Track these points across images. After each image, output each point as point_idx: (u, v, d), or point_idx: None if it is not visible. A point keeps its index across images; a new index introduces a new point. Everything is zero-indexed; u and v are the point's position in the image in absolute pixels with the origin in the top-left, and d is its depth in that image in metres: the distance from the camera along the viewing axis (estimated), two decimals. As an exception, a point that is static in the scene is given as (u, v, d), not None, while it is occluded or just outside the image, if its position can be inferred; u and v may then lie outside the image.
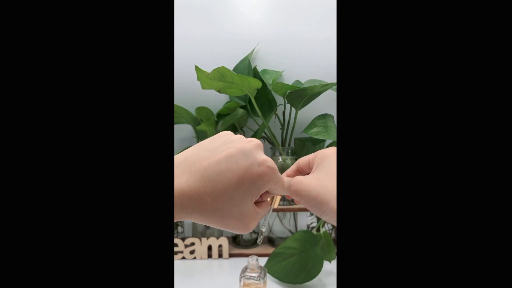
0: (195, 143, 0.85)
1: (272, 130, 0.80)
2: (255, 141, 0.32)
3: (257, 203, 0.32)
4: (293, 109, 0.78)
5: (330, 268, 0.71)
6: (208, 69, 0.65)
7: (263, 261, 0.69)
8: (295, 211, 0.80)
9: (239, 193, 0.28)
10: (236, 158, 0.29)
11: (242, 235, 0.83)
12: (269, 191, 0.32)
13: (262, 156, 0.30)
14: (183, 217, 0.27)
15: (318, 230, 0.71)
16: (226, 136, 0.32)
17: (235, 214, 0.29)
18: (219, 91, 0.70)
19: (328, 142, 0.82)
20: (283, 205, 0.79)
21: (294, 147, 0.82)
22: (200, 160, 0.28)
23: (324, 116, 0.74)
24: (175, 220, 0.28)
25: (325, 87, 0.70)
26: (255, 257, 0.57)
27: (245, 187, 0.29)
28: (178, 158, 0.29)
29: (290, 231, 0.82)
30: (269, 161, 0.30)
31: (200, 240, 0.78)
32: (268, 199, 0.34)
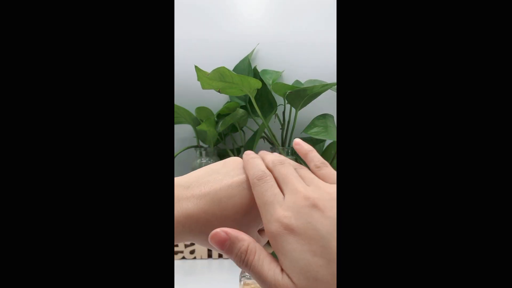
0: (195, 143, 0.85)
1: (272, 130, 0.80)
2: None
3: (259, 230, 0.31)
4: (293, 109, 0.78)
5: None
6: (208, 69, 0.65)
7: (263, 261, 0.69)
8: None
9: (246, 219, 0.28)
10: (247, 185, 0.28)
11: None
12: None
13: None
14: (190, 239, 0.27)
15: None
16: (238, 161, 0.32)
17: None
18: (219, 91, 0.70)
19: (328, 142, 0.82)
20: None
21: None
22: (211, 182, 0.28)
23: (324, 116, 0.74)
24: (182, 242, 0.27)
25: (325, 87, 0.70)
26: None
27: (253, 215, 0.28)
28: (189, 178, 0.29)
29: (290, 231, 0.82)
30: None
31: (200, 240, 0.77)
32: None
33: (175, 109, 0.76)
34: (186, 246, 0.77)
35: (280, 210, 0.24)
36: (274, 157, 0.29)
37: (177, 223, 0.26)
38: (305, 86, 0.77)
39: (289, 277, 0.22)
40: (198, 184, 0.28)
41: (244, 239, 0.24)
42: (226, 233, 0.24)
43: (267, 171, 0.28)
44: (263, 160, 0.30)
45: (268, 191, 0.26)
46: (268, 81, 0.81)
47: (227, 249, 0.24)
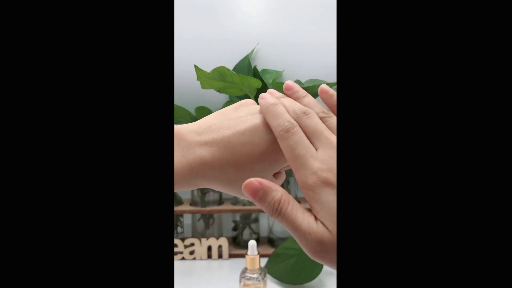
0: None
1: (272, 130, 0.80)
2: None
3: (274, 174, 0.30)
4: (293, 109, 0.78)
5: (330, 268, 0.71)
6: (208, 69, 0.65)
7: (263, 261, 0.69)
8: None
9: (261, 167, 0.28)
10: (260, 132, 0.27)
11: (242, 236, 0.83)
12: None
13: None
14: (201, 184, 0.27)
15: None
16: (249, 105, 0.30)
17: None
18: (219, 91, 0.70)
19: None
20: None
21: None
22: (223, 129, 0.28)
23: (324, 116, 0.73)
24: (193, 188, 0.27)
25: (325, 87, 0.69)
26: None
27: (267, 162, 0.28)
28: (200, 125, 0.28)
29: (290, 231, 0.82)
30: None
31: (200, 240, 0.77)
32: None
33: (175, 109, 0.76)
34: (185, 246, 0.77)
35: (315, 163, 0.24)
36: (297, 107, 0.27)
37: (190, 169, 0.26)
38: (305, 86, 0.76)
39: (324, 225, 0.23)
40: (210, 131, 0.28)
41: (277, 189, 0.24)
42: (260, 183, 0.24)
43: (293, 121, 0.26)
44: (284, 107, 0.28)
45: (298, 143, 0.25)
46: (268, 80, 0.81)
47: (260, 198, 0.24)
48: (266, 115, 0.27)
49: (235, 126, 0.28)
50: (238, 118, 0.28)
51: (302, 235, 0.23)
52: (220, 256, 0.78)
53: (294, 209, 0.24)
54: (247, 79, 0.66)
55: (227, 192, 0.28)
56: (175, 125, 0.27)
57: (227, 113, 0.29)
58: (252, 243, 0.56)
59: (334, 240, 0.22)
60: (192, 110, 0.79)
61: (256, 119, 0.28)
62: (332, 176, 0.24)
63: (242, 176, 0.27)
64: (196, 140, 0.27)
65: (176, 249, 0.77)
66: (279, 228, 0.82)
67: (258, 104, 0.30)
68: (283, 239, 0.80)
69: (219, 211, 0.80)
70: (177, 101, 0.83)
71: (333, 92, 0.29)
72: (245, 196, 0.27)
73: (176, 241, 0.78)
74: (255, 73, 0.85)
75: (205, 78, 0.66)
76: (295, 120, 0.27)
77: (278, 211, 0.24)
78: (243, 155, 0.27)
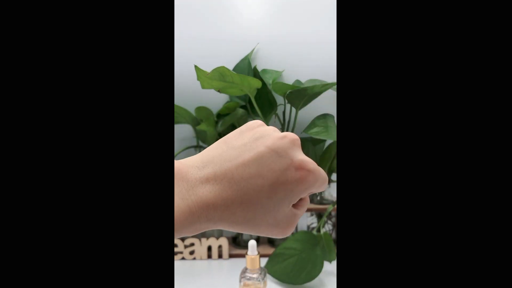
0: (195, 143, 0.85)
1: (272, 130, 0.80)
2: (289, 136, 0.25)
3: (295, 205, 0.27)
4: (293, 109, 0.78)
5: (330, 268, 0.71)
6: (208, 69, 0.65)
7: (263, 261, 0.69)
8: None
9: (273, 201, 0.24)
10: (267, 160, 0.24)
11: (242, 236, 0.83)
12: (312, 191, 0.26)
13: (299, 157, 0.25)
14: (209, 227, 0.24)
15: (318, 230, 0.71)
16: (255, 128, 0.26)
17: (270, 222, 0.25)
18: (219, 91, 0.70)
19: (328, 142, 0.82)
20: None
21: (294, 147, 0.81)
22: (226, 162, 0.24)
23: (324, 116, 0.73)
24: (200, 232, 0.23)
25: (325, 87, 0.70)
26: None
27: (280, 195, 0.24)
28: (203, 158, 0.25)
29: (290, 231, 0.82)
30: (309, 162, 0.25)
31: (200, 240, 0.77)
32: None
33: (175, 109, 0.76)
34: (185, 246, 0.77)
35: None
36: None
37: (191, 213, 0.23)
38: (305, 86, 0.76)
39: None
40: (213, 165, 0.24)
41: None
42: None
43: None
44: None
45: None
46: (268, 80, 0.81)
47: None
48: None
49: (238, 157, 0.24)
50: (242, 145, 0.25)
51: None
52: (220, 256, 0.78)
53: None
54: (247, 79, 0.66)
55: (238, 231, 0.25)
56: (175, 161, 0.24)
57: (230, 140, 0.26)
58: (252, 243, 0.56)
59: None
60: (192, 110, 0.79)
61: (260, 146, 0.24)
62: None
63: (252, 215, 0.24)
64: (197, 176, 0.23)
65: (176, 249, 0.77)
66: (279, 228, 0.82)
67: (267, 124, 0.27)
68: (283, 239, 0.80)
69: (219, 211, 0.80)
70: (177, 101, 0.83)
71: None
72: (259, 234, 0.25)
73: (176, 241, 0.77)
74: (255, 73, 0.85)
75: (205, 78, 0.66)
76: None
77: None
78: (250, 192, 0.23)
